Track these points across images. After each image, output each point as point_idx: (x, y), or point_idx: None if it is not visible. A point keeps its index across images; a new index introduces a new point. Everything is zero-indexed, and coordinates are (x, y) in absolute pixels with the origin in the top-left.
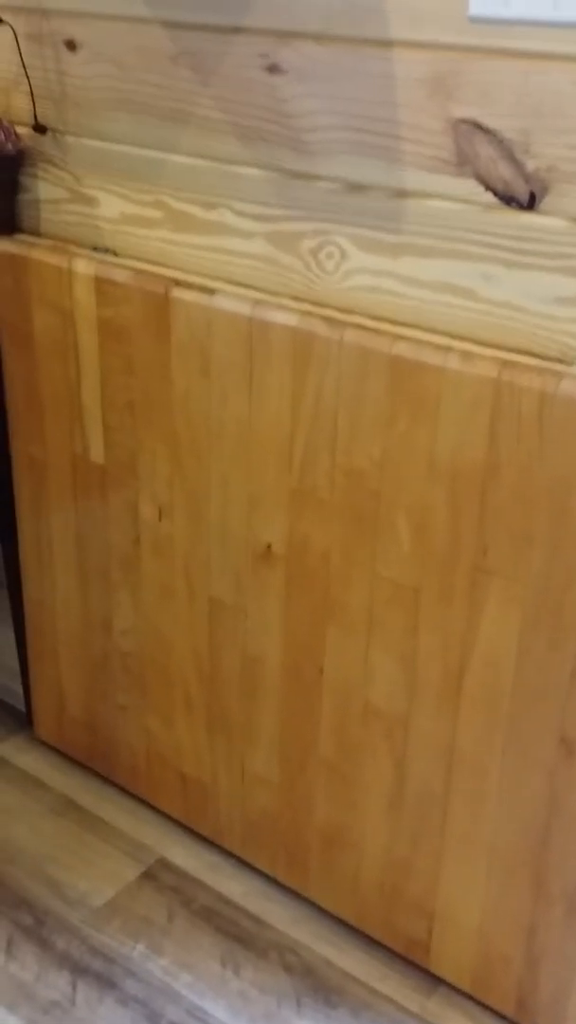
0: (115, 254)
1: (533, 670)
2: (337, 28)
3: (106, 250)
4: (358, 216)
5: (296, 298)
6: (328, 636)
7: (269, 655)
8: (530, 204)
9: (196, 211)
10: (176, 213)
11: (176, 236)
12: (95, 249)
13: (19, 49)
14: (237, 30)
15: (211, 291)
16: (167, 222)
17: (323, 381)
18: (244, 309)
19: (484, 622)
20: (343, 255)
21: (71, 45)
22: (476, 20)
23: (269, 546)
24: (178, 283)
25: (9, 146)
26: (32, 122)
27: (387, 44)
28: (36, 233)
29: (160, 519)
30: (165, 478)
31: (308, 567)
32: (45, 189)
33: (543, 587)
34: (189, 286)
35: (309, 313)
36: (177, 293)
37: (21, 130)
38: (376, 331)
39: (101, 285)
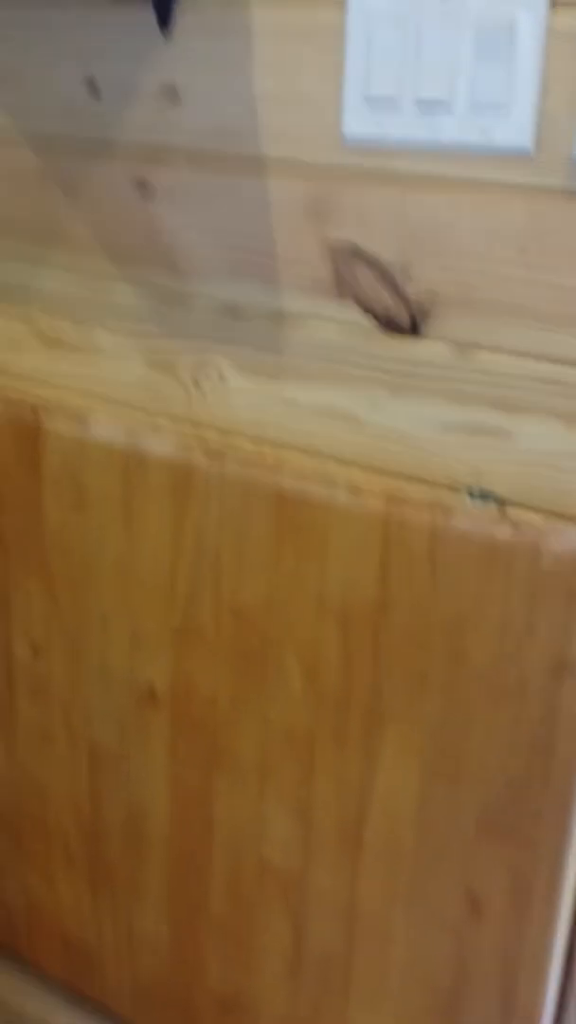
0: None
1: (435, 822)
2: (208, 147)
3: None
4: (237, 337)
5: (177, 421)
6: (217, 785)
7: (155, 806)
8: (412, 329)
9: (68, 330)
10: (47, 332)
11: (48, 356)
12: None
13: None
14: (107, 149)
15: (83, 419)
16: (38, 342)
17: (205, 514)
18: (119, 439)
19: (381, 770)
20: (222, 377)
21: None
22: (350, 140)
23: (152, 689)
24: (48, 409)
25: None
26: None
27: (261, 165)
28: None
29: (35, 658)
30: (40, 615)
31: (194, 711)
32: None
33: (441, 733)
34: (61, 413)
35: (188, 441)
36: (46, 422)
37: None
38: (259, 462)
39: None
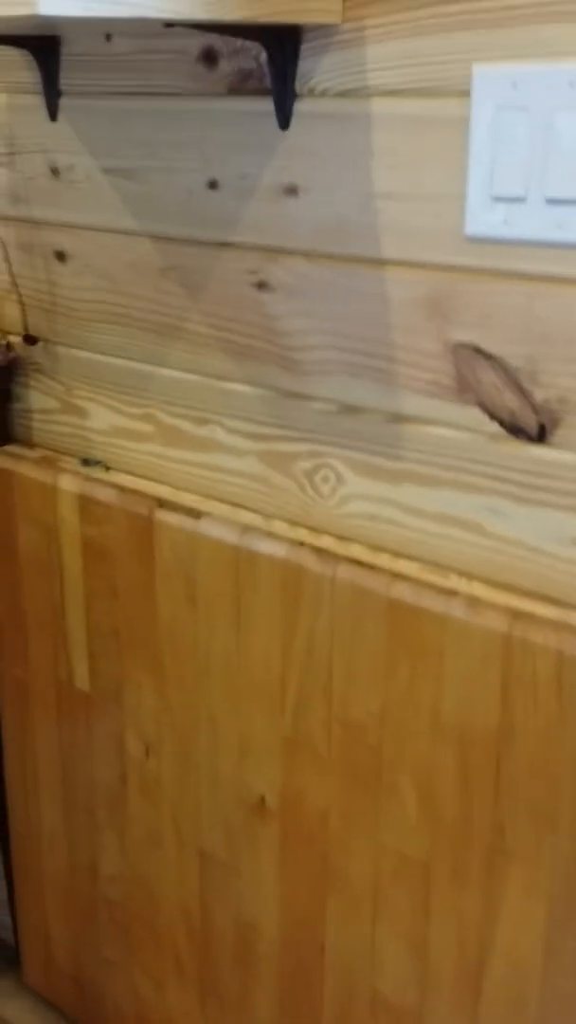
0: (106, 467)
1: (564, 976)
2: (327, 245)
3: (96, 463)
4: (354, 439)
5: (291, 522)
6: (329, 909)
7: (265, 923)
8: (540, 437)
9: (187, 426)
10: (167, 428)
11: (167, 451)
12: (85, 462)
13: (8, 259)
14: (225, 245)
15: (197, 514)
16: (157, 436)
17: (315, 620)
18: (231, 536)
19: (504, 913)
20: (339, 479)
21: (61, 256)
22: (474, 239)
23: (262, 798)
24: (163, 504)
25: (0, 356)
26: (23, 332)
27: (380, 263)
28: (28, 443)
29: (147, 756)
30: (152, 712)
31: (305, 827)
32: (36, 399)
33: (570, 877)
34: (175, 507)
35: (302, 542)
36: (161, 516)
37: (12, 339)
38: (373, 567)
39: (85, 503)
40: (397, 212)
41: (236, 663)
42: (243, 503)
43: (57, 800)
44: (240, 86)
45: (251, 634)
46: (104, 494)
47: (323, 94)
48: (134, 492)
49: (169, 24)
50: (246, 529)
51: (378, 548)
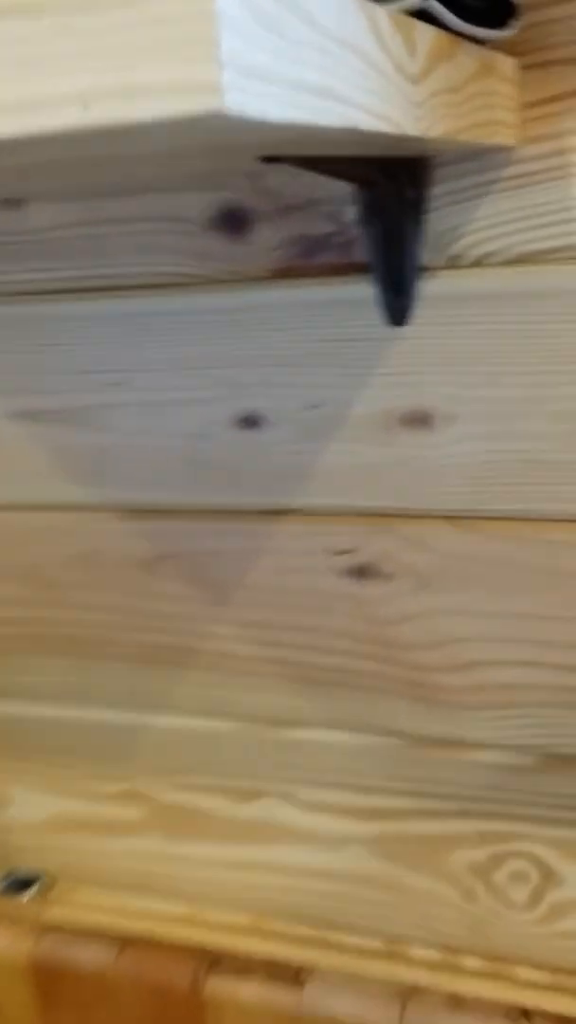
0: (49, 886)
1: None
2: (487, 501)
3: (29, 882)
4: (566, 806)
5: (450, 949)
6: None
7: None
8: None
9: (212, 804)
10: (169, 810)
11: (172, 847)
12: (6, 880)
13: None
14: (279, 514)
15: (297, 979)
16: (152, 825)
17: None
18: (379, 1011)
19: None
20: (543, 874)
21: None
22: None
23: None
24: (217, 962)
25: None
26: None
27: None
28: None
29: None
30: None
31: None
32: None
33: None
34: (241, 964)
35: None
36: (217, 985)
37: None
38: None
39: (44, 974)
40: None
41: None
42: (350, 927)
43: None
44: (299, 264)
45: None
46: (84, 953)
47: (479, 263)
48: (147, 944)
49: (283, 160)
50: (409, 993)
51: None
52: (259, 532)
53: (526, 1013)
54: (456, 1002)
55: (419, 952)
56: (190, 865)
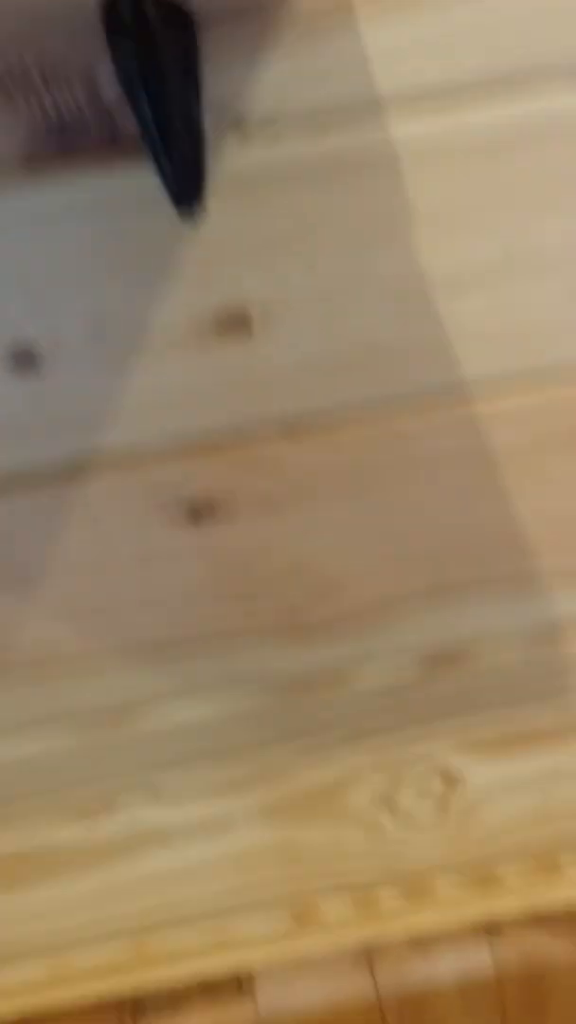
0: None
1: None
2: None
3: None
4: (450, 703)
5: (375, 892)
6: None
7: None
8: None
9: (67, 832)
10: (6, 859)
11: (18, 904)
12: None
13: None
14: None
15: (241, 989)
16: None
17: None
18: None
19: None
20: (446, 781)
21: None
22: None
23: None
24: (139, 1008)
25: None
26: None
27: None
28: None
29: None
30: None
31: None
32: None
33: None
34: (161, 1000)
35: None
36: None
37: None
38: None
39: None
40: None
41: None
42: (264, 910)
43: None
44: (51, 155)
45: None
46: None
47: (272, 130)
48: (53, 1017)
49: None
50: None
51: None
52: (61, 497)
53: (495, 926)
54: (420, 942)
55: (342, 909)
56: (52, 915)
